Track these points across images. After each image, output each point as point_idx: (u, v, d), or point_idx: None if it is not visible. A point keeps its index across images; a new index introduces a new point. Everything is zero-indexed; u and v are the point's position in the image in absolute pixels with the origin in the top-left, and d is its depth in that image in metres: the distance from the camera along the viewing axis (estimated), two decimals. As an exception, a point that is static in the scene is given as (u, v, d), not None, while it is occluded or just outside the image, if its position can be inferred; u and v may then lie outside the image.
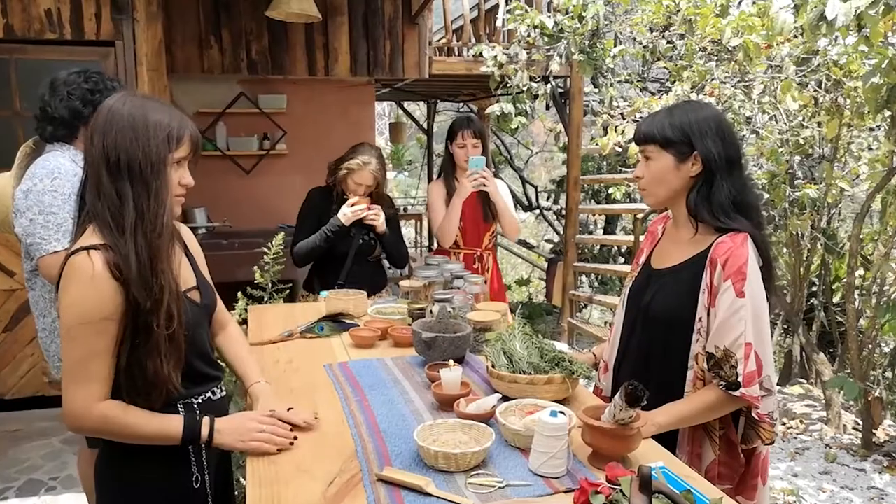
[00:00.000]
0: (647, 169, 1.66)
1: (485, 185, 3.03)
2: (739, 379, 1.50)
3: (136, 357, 1.33)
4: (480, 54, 4.50)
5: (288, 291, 3.09)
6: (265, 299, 3.00)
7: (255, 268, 2.99)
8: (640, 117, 3.79)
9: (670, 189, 1.64)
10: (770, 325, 1.59)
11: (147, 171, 1.32)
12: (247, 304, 2.85)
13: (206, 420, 1.41)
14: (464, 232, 3.19)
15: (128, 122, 1.32)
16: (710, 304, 1.55)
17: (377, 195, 3.00)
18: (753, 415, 1.54)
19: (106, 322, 1.29)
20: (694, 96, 3.61)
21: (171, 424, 1.38)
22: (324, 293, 2.63)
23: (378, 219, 2.89)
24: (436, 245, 3.39)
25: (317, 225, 2.91)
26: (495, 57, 4.38)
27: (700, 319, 1.57)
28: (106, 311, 1.28)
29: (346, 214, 2.83)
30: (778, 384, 4.96)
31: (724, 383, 1.52)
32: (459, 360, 1.90)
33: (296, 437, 1.43)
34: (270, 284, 3.01)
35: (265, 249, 2.99)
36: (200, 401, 1.49)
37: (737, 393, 1.50)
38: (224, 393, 1.59)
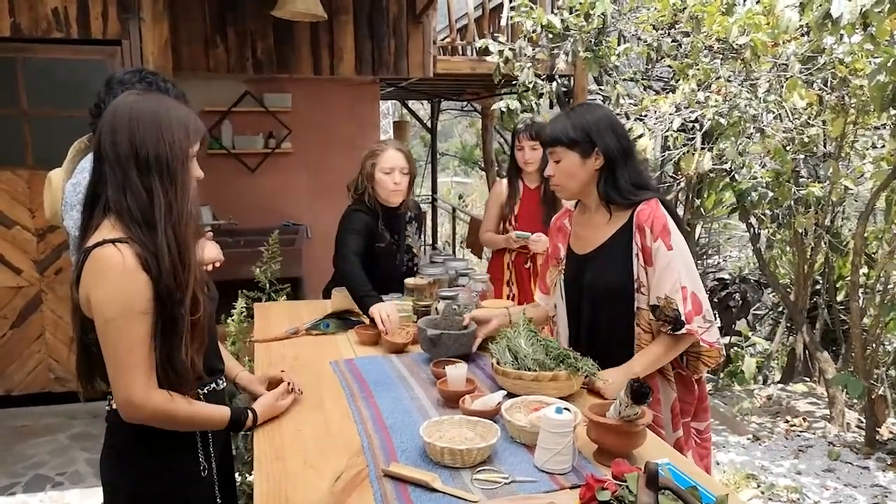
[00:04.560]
0: (558, 168, 1.86)
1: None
2: (682, 318, 1.71)
3: (165, 353, 1.35)
4: (486, 49, 4.48)
5: (288, 289, 3.08)
6: (264, 298, 2.99)
7: (254, 267, 2.98)
8: (646, 116, 3.80)
9: (580, 182, 1.85)
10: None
11: (174, 165, 1.36)
12: (246, 303, 2.85)
13: (248, 412, 1.55)
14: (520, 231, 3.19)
15: (153, 119, 1.36)
16: (647, 264, 1.76)
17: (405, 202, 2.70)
18: (702, 344, 1.75)
19: (143, 315, 1.31)
20: (700, 94, 3.60)
21: (220, 413, 1.49)
22: None
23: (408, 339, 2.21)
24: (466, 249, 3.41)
25: (364, 244, 2.58)
26: (501, 51, 4.36)
27: (638, 278, 1.78)
28: (143, 303, 1.30)
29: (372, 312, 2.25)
30: (781, 382, 4.96)
31: (670, 326, 1.73)
32: (465, 357, 1.91)
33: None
34: (269, 284, 3.01)
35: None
36: (207, 391, 1.52)
37: (683, 330, 1.71)
38: (225, 384, 1.63)
